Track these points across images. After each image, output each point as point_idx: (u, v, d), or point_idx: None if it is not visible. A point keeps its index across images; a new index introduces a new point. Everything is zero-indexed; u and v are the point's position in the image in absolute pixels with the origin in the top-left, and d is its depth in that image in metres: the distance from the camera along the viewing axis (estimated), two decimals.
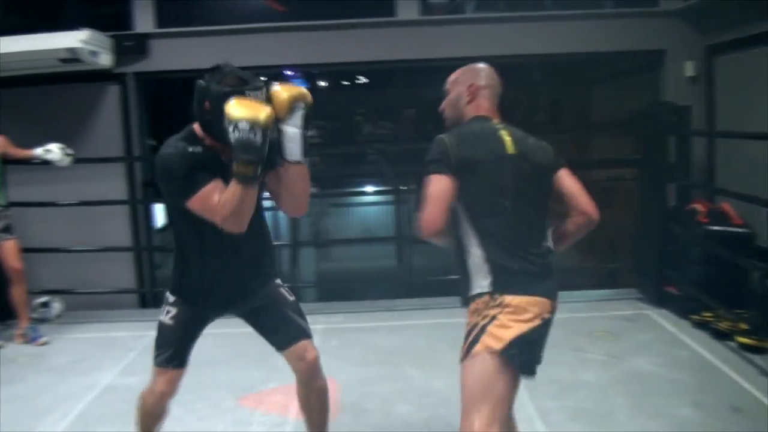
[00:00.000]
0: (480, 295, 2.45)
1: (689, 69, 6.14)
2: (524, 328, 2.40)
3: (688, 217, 5.35)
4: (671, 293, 5.47)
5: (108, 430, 3.85)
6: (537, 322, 2.44)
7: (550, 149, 2.68)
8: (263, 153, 2.38)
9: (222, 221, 2.47)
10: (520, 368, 2.46)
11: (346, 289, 7.18)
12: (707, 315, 4.97)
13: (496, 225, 2.44)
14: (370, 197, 8.93)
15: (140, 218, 6.56)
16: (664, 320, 5.28)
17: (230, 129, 2.33)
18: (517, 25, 6.33)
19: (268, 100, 2.46)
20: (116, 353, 5.12)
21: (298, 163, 2.55)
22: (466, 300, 2.51)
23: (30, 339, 5.44)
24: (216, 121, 2.44)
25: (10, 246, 5.40)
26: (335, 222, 9.30)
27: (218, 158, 2.60)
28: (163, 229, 7.06)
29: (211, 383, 4.42)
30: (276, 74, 9.37)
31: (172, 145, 2.59)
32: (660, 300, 5.58)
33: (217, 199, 2.47)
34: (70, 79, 6.17)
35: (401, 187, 6.69)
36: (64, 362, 5.01)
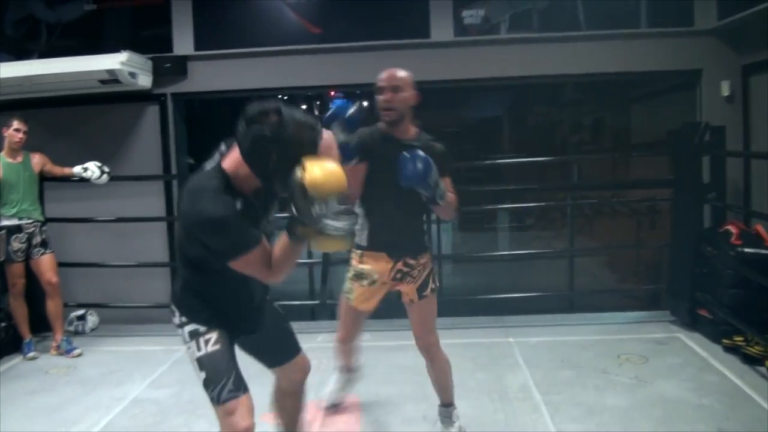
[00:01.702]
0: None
1: (725, 89, 6.04)
2: None
3: (722, 238, 5.24)
4: (704, 316, 5.36)
5: None
6: None
7: None
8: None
9: (272, 278, 2.48)
10: None
11: (380, 308, 7.16)
12: (738, 339, 4.85)
13: None
14: None
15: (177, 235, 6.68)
16: (695, 344, 5.18)
17: (314, 205, 2.23)
18: (551, 46, 6.30)
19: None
20: (147, 367, 5.21)
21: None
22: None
23: (64, 351, 5.58)
24: (280, 173, 2.30)
25: (47, 260, 5.59)
26: None
27: (253, 206, 2.47)
28: None
29: None
30: (321, 95, 9.55)
31: (216, 199, 2.32)
32: (692, 323, 5.48)
33: (265, 260, 2.40)
34: (110, 99, 6.36)
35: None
36: (96, 374, 5.12)
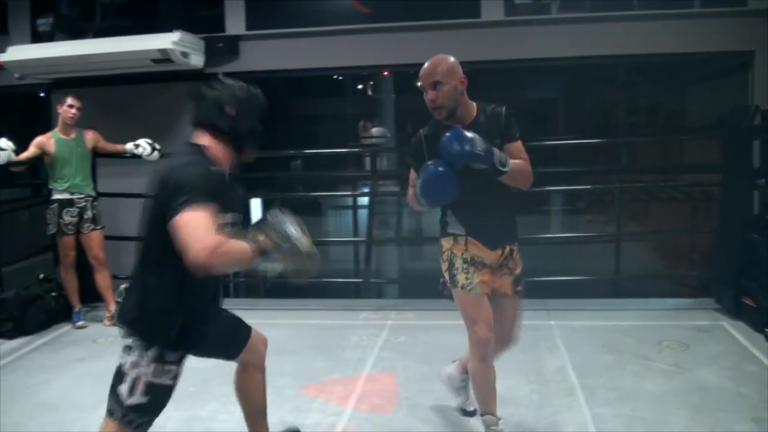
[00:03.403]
0: None
1: None
2: None
3: None
4: (748, 305, 5.24)
5: (173, 407, 4.01)
6: None
7: None
8: None
9: (206, 254, 2.11)
10: None
11: (425, 288, 7.19)
12: None
13: None
14: None
15: None
16: (738, 332, 5.09)
17: (291, 224, 2.34)
18: (603, 26, 6.22)
19: None
20: None
21: None
22: None
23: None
24: (245, 129, 2.58)
25: (96, 236, 5.78)
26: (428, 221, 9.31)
27: (227, 184, 2.55)
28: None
29: (278, 371, 4.53)
30: (373, 74, 9.55)
31: (200, 161, 2.45)
32: (736, 311, 5.37)
33: (210, 227, 2.18)
34: (162, 78, 6.50)
35: None
36: None
